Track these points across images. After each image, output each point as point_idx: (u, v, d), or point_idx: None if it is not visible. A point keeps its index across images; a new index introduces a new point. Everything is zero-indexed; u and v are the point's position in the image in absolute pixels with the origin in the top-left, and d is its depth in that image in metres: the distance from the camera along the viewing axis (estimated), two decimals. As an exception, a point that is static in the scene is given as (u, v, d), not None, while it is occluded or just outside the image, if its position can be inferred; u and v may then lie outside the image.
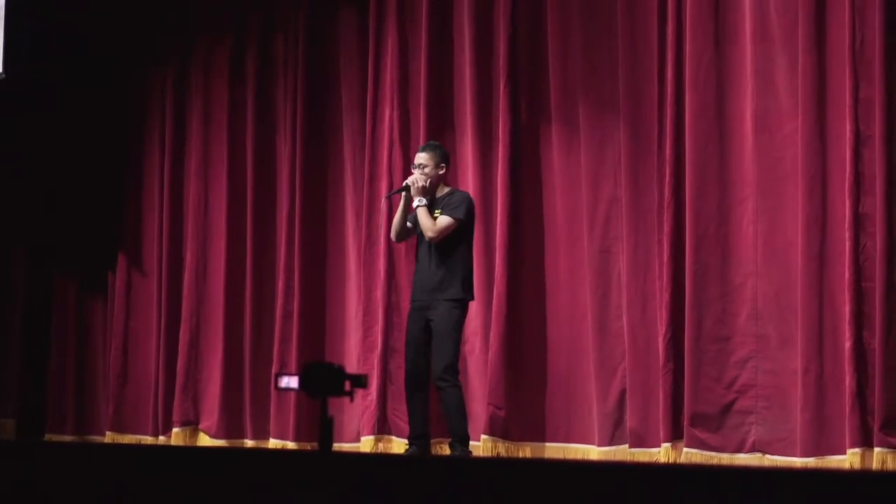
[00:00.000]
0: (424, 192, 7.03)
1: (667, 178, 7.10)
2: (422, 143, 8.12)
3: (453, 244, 7.03)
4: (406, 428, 7.70)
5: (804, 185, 6.64)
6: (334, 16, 8.99)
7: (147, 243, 9.99)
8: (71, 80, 10.33)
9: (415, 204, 7.01)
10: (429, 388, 7.13)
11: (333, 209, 8.83)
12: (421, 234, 7.09)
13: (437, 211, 7.06)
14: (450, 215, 7.00)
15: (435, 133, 8.16)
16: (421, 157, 7.12)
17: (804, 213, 6.63)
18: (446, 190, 7.18)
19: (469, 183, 8.00)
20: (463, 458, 6.68)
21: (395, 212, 7.25)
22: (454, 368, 7.00)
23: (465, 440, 7.04)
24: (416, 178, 7.04)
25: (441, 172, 7.12)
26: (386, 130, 8.38)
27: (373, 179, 8.37)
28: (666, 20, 7.21)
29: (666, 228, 7.08)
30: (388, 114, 8.38)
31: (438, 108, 8.21)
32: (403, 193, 7.15)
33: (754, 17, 6.94)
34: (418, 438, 7.07)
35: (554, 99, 7.75)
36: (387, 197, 7.61)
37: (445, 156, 7.20)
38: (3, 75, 9.55)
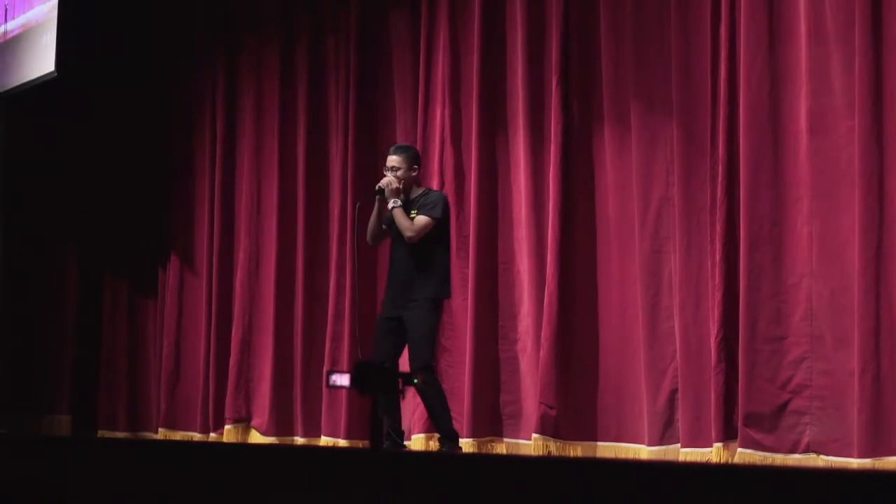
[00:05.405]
0: (398, 193, 7.01)
1: (719, 178, 7.04)
2: (474, 141, 8.13)
3: (430, 244, 7.02)
4: (458, 427, 7.70)
5: (860, 186, 6.54)
6: (385, 14, 9.01)
7: (198, 242, 10.06)
8: (121, 80, 10.42)
9: (390, 205, 7.00)
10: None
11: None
12: (395, 236, 7.08)
13: (413, 211, 7.04)
14: (427, 215, 6.99)
15: (486, 132, 8.16)
16: (393, 160, 7.08)
17: (860, 213, 6.53)
18: (420, 190, 7.17)
19: (521, 181, 7.99)
20: (454, 454, 6.72)
21: (369, 217, 7.14)
22: (431, 368, 7.01)
23: (452, 436, 7.04)
24: (390, 181, 7.02)
25: (413, 174, 7.12)
26: (437, 129, 8.38)
27: (424, 178, 8.36)
28: (720, 19, 7.14)
29: (718, 228, 7.03)
30: (440, 112, 8.38)
31: (490, 107, 8.20)
32: (377, 197, 7.11)
33: (809, 16, 6.85)
34: (388, 435, 6.96)
35: (606, 98, 7.72)
36: (359, 203, 7.46)
37: (417, 157, 7.21)
38: (56, 73, 9.63)
